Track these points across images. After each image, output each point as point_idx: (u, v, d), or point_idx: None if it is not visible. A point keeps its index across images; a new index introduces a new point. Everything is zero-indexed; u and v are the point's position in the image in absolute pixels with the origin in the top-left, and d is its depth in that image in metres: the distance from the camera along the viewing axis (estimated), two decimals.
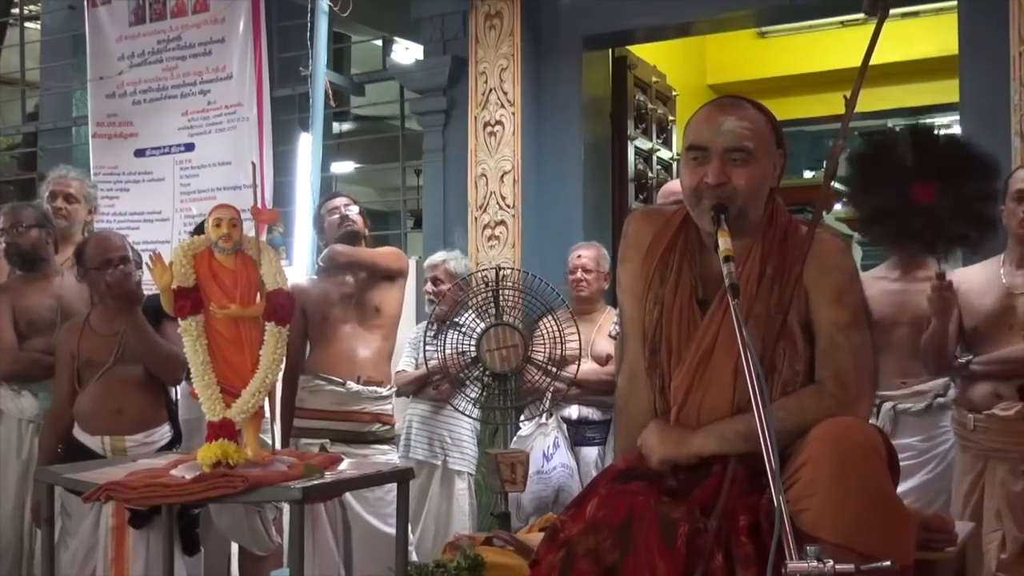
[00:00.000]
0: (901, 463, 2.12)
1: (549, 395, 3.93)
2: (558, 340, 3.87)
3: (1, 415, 4.12)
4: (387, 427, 4.14)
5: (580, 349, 3.88)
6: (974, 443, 3.50)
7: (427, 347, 3.98)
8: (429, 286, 4.76)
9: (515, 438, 4.38)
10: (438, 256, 4.87)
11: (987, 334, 3.49)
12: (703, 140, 2.05)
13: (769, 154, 2.08)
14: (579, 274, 4.61)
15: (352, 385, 4.04)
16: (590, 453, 4.64)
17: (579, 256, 4.69)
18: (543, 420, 4.28)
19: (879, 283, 3.75)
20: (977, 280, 3.55)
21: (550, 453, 4.38)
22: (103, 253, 3.70)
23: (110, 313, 3.72)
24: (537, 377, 3.90)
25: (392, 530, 3.82)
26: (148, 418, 3.69)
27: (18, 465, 4.04)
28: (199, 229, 3.92)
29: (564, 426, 4.56)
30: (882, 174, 3.14)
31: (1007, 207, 3.46)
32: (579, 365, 4.18)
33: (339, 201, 4.21)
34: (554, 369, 3.89)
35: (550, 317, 3.97)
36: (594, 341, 4.50)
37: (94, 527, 3.53)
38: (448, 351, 3.98)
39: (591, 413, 4.63)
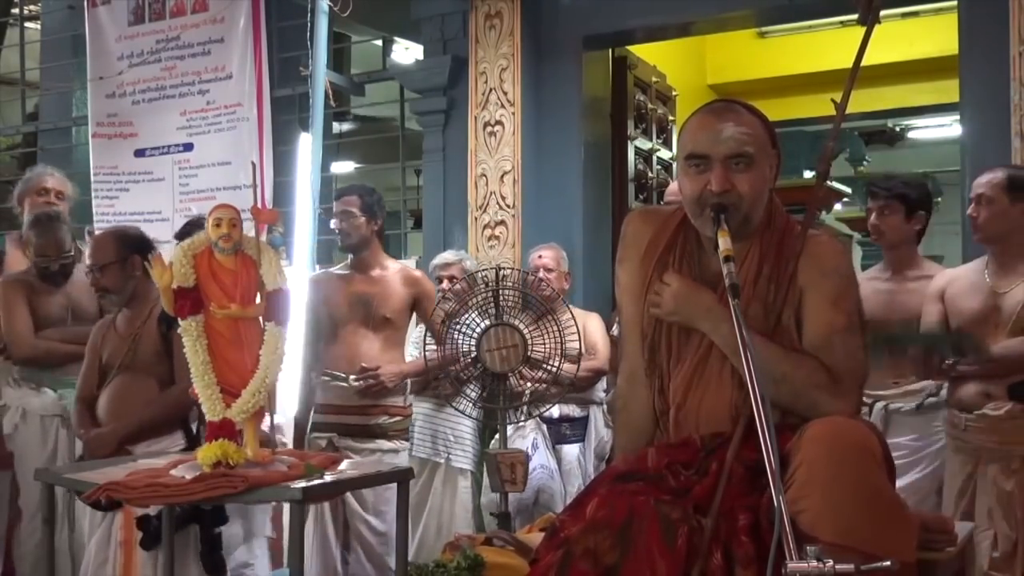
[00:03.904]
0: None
1: (527, 397, 3.93)
2: (559, 339, 3.87)
3: (25, 414, 4.22)
4: (396, 419, 4.14)
5: (553, 347, 3.89)
6: (966, 443, 3.50)
7: (427, 346, 3.97)
8: (445, 284, 4.77)
9: (493, 440, 4.38)
10: (451, 255, 4.88)
11: (973, 334, 3.49)
12: (703, 148, 2.05)
13: (767, 156, 2.09)
14: (540, 273, 4.66)
15: (354, 379, 4.05)
16: (571, 451, 4.68)
17: (539, 256, 4.77)
18: (521, 422, 4.29)
19: (871, 283, 3.77)
20: (963, 281, 3.56)
21: (529, 455, 4.39)
22: (89, 258, 3.73)
23: (131, 314, 3.70)
24: (516, 381, 3.91)
25: (390, 527, 3.85)
26: (155, 426, 3.64)
27: (44, 458, 4.12)
28: (184, 232, 3.84)
29: (544, 427, 4.58)
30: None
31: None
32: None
33: (338, 207, 4.21)
34: (554, 369, 3.88)
35: (549, 317, 3.97)
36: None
37: (106, 540, 3.50)
38: (448, 350, 3.98)
39: (571, 410, 4.68)
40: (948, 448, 3.61)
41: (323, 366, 4.17)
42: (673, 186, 4.31)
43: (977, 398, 3.46)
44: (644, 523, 1.86)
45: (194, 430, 3.62)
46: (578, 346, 4.04)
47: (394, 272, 4.23)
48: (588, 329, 4.69)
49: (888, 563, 1.58)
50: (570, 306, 4.79)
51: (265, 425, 2.72)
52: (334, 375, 4.11)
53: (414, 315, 4.34)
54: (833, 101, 2.14)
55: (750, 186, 2.03)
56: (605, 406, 4.71)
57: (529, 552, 2.70)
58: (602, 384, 4.70)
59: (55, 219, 4.31)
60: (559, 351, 3.86)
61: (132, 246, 3.72)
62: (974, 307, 3.48)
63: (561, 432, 4.67)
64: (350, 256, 4.29)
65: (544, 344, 3.87)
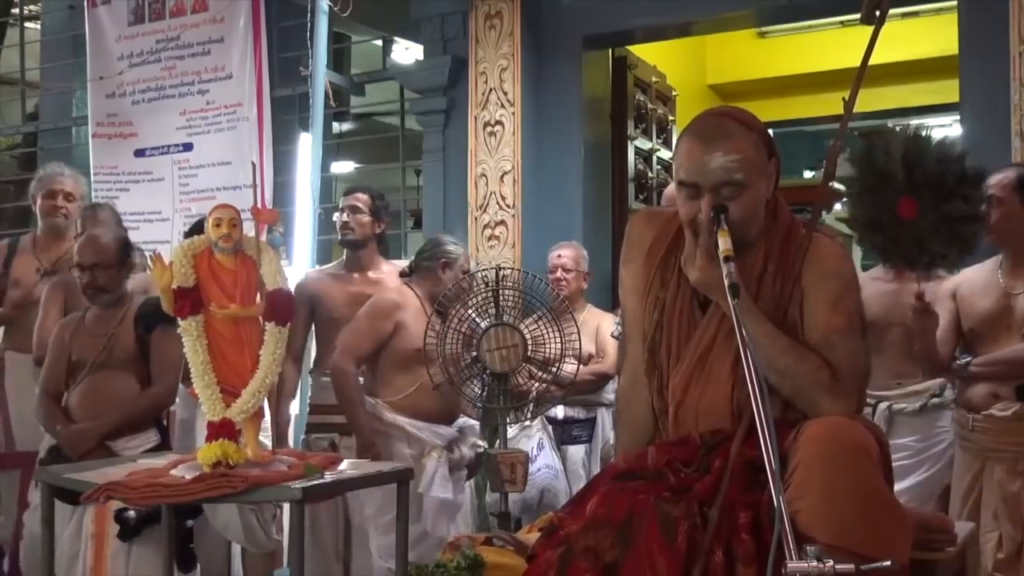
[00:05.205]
0: (896, 463, 2.12)
1: (533, 396, 3.93)
2: (557, 339, 3.87)
3: None
4: None
5: (554, 348, 3.89)
6: (973, 443, 3.50)
7: (428, 338, 3.95)
8: None
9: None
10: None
11: (985, 335, 3.49)
12: (692, 177, 2.04)
13: (762, 172, 2.06)
14: (559, 273, 4.65)
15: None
16: (577, 452, 4.68)
17: (559, 256, 4.74)
18: (527, 422, 4.29)
19: (875, 284, 3.77)
20: (976, 281, 3.56)
21: (534, 455, 4.38)
22: (78, 256, 3.74)
23: (104, 313, 3.73)
24: (523, 380, 3.92)
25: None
26: (134, 424, 3.67)
27: None
28: (194, 230, 3.94)
29: (549, 427, 4.57)
30: (876, 181, 3.15)
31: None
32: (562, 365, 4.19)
33: (346, 202, 4.21)
34: (554, 369, 3.88)
35: (548, 317, 3.97)
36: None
37: (77, 533, 3.51)
38: (448, 349, 3.96)
39: (576, 412, 4.68)
40: (956, 447, 3.61)
41: (320, 366, 4.16)
42: (669, 190, 4.30)
43: (985, 398, 3.46)
44: (644, 521, 1.86)
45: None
46: (579, 346, 4.03)
47: (390, 272, 4.23)
48: (602, 330, 4.68)
49: (888, 563, 1.59)
50: (589, 305, 4.82)
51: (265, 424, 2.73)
52: None
53: None
54: (844, 100, 2.13)
55: (741, 210, 2.02)
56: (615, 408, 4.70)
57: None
58: (612, 385, 4.69)
59: (101, 205, 4.51)
60: (559, 352, 3.86)
61: (128, 251, 3.84)
62: (986, 308, 3.48)
63: (569, 433, 4.67)
64: (344, 255, 4.29)
65: (545, 344, 3.87)
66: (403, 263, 5.23)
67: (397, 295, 3.96)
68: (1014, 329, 3.43)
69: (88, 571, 3.45)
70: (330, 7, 5.75)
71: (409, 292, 3.97)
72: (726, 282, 1.88)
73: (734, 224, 2.00)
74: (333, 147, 6.88)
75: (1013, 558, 3.38)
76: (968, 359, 3.52)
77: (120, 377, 3.68)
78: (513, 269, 4.44)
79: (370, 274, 4.20)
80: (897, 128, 3.20)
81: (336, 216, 4.27)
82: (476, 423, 4.04)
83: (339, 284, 4.19)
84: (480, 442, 4.03)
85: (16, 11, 8.06)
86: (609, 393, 4.69)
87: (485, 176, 5.48)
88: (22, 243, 4.72)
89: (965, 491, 3.51)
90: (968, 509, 3.46)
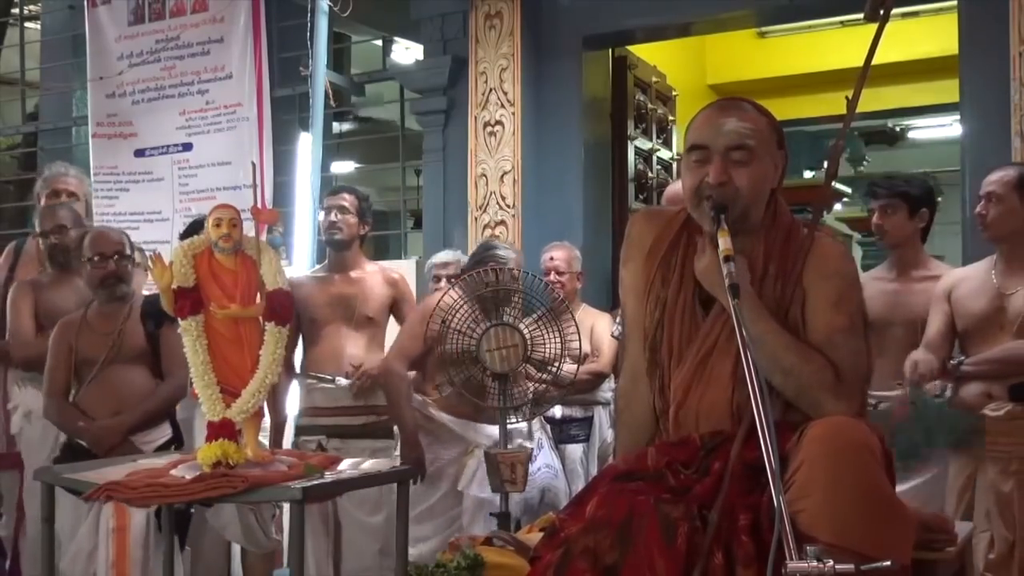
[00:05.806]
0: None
1: (530, 397, 3.93)
2: (556, 339, 3.87)
3: (30, 415, 4.21)
4: (384, 418, 4.13)
5: (562, 349, 3.89)
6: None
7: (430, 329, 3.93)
8: (443, 284, 4.75)
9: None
10: (449, 255, 4.85)
11: (978, 335, 3.49)
12: (704, 139, 2.05)
13: (770, 154, 2.08)
14: (552, 276, 4.64)
15: (341, 380, 4.04)
16: (575, 451, 4.68)
17: (551, 258, 4.74)
18: (520, 422, 4.29)
19: (876, 283, 3.77)
20: (971, 282, 3.56)
21: (534, 455, 4.37)
22: (97, 247, 3.73)
23: (108, 310, 3.74)
24: (521, 380, 3.92)
25: (380, 519, 3.85)
26: (155, 417, 3.71)
27: (43, 458, 4.07)
28: (190, 230, 3.95)
29: (547, 426, 4.57)
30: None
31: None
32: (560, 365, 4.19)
33: (333, 201, 4.19)
34: (553, 369, 3.88)
35: (548, 317, 3.96)
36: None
37: (93, 529, 3.52)
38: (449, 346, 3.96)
39: (574, 412, 4.67)
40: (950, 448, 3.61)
41: (307, 369, 4.15)
42: (670, 189, 4.29)
43: (979, 398, 3.46)
44: (644, 522, 1.85)
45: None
46: (578, 346, 4.03)
47: (373, 272, 4.22)
48: (596, 329, 4.68)
49: (888, 563, 1.59)
50: (584, 304, 4.82)
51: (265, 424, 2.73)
52: (320, 377, 4.08)
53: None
54: (847, 99, 2.13)
55: (748, 180, 2.03)
56: (612, 406, 4.70)
57: (529, 552, 2.69)
58: (609, 383, 4.69)
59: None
60: (558, 352, 3.86)
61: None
62: (980, 308, 3.48)
63: (567, 432, 4.67)
64: (328, 256, 4.28)
65: (544, 344, 3.86)
66: (394, 263, 5.24)
67: (446, 297, 3.97)
68: (1006, 328, 3.43)
69: (110, 565, 3.46)
70: (330, 7, 5.75)
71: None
72: (726, 282, 1.88)
73: (738, 195, 2.01)
74: (333, 147, 6.88)
75: (1005, 558, 3.37)
76: (961, 359, 3.52)
77: (133, 372, 3.72)
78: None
79: (352, 274, 4.17)
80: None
81: (321, 216, 4.26)
82: (523, 425, 4.04)
83: (321, 286, 4.18)
84: (527, 443, 4.04)
85: (16, 11, 8.06)
86: (606, 392, 4.69)
87: (485, 176, 5.49)
88: (27, 246, 4.72)
89: (960, 491, 3.51)
90: (962, 509, 3.46)
